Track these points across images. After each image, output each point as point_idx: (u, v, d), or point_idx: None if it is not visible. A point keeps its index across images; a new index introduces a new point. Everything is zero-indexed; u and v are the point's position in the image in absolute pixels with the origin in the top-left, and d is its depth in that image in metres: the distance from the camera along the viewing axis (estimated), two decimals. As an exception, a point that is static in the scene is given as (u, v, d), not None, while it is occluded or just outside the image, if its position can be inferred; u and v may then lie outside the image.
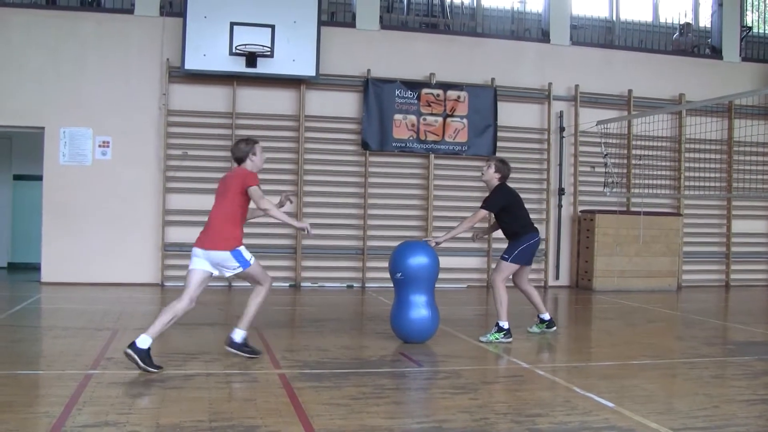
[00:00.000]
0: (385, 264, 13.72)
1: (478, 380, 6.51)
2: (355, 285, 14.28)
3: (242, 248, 7.05)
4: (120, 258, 13.51)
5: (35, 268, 14.17)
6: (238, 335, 7.14)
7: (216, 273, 7.08)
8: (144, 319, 9.93)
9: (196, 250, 7.01)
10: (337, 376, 6.46)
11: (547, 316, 8.93)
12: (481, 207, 8.51)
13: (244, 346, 7.16)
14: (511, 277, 8.70)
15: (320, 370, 6.73)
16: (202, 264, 6.98)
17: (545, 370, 6.93)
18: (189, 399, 5.50)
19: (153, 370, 6.40)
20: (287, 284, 14.00)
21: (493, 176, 8.61)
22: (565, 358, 8.11)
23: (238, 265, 6.97)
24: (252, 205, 7.21)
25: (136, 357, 6.38)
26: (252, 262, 7.08)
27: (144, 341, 6.50)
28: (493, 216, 8.80)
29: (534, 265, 15.10)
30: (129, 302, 11.31)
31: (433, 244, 8.33)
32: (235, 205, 7.14)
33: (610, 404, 5.57)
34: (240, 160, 7.43)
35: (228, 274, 7.09)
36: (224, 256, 6.95)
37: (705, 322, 10.78)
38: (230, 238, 7.00)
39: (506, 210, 8.53)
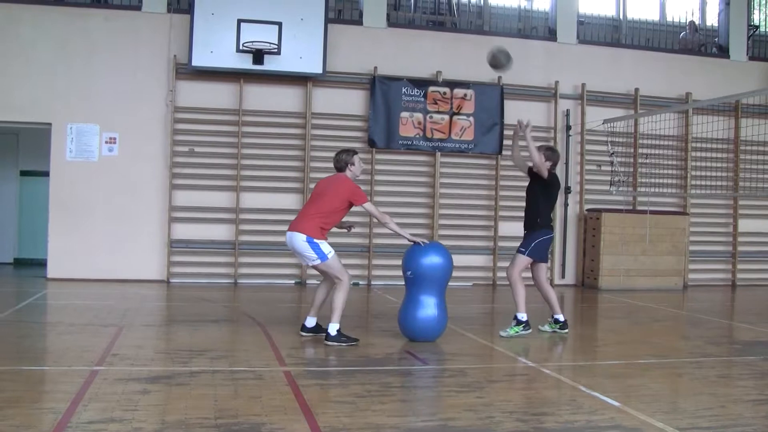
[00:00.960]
0: (391, 261, 13.83)
1: (483, 379, 6.51)
2: (361, 283, 14.27)
3: (322, 242, 7.77)
4: (126, 254, 13.53)
5: (41, 263, 14.19)
6: (332, 328, 7.74)
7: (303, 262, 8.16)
8: (150, 316, 9.98)
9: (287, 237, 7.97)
10: (343, 373, 6.46)
11: (561, 318, 8.89)
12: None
13: (341, 337, 7.76)
14: (531, 274, 8.80)
15: (326, 367, 6.74)
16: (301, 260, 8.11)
17: (551, 369, 6.92)
18: (194, 396, 5.50)
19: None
20: (293, 281, 14.01)
21: (543, 164, 8.64)
22: (571, 357, 8.10)
23: (315, 256, 7.76)
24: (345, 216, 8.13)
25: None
26: (330, 256, 7.77)
27: (310, 321, 8.15)
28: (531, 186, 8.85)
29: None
30: (135, 298, 11.33)
31: (525, 122, 8.71)
32: (333, 208, 7.89)
33: (616, 403, 5.56)
34: (340, 170, 8.26)
35: (309, 263, 7.94)
36: (301, 239, 7.75)
37: (711, 322, 10.76)
38: (313, 228, 7.77)
39: (548, 190, 8.60)
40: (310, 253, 7.77)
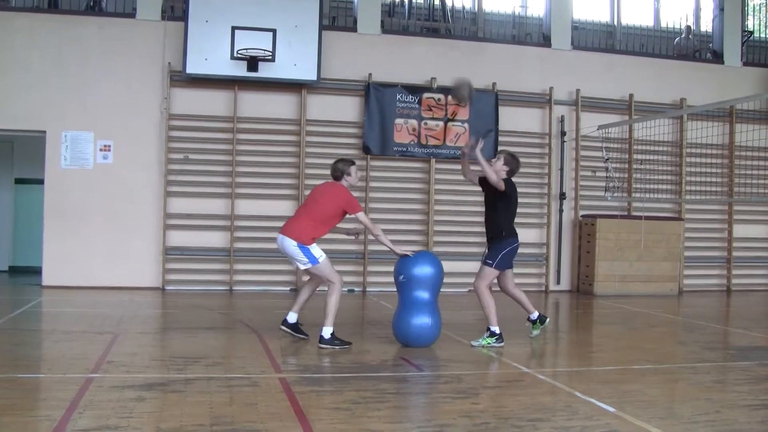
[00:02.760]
0: (386, 268, 13.79)
1: (479, 385, 6.51)
2: (356, 290, 14.27)
3: (313, 246, 7.89)
4: (121, 262, 13.51)
5: (36, 271, 14.17)
6: (326, 332, 7.88)
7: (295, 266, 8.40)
8: (145, 323, 9.96)
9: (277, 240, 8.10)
10: (338, 380, 6.46)
11: (535, 315, 8.80)
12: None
13: (334, 340, 7.91)
14: (496, 282, 8.69)
15: (321, 374, 6.73)
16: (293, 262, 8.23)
17: (546, 375, 6.92)
18: (190, 403, 5.49)
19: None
20: (288, 288, 14.00)
21: (501, 168, 8.53)
22: (566, 363, 8.10)
23: (307, 260, 7.91)
24: (340, 224, 8.28)
25: (289, 330, 8.24)
26: (321, 260, 7.91)
27: (291, 317, 8.30)
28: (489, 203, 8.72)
29: (535, 270, 15.24)
30: (130, 306, 11.30)
31: (473, 141, 8.41)
32: (326, 215, 8.02)
33: (612, 409, 5.56)
34: (336, 178, 8.29)
35: (300, 267, 8.13)
36: (292, 245, 7.89)
37: (706, 327, 10.77)
38: (305, 235, 7.89)
39: (507, 201, 8.48)
40: (301, 257, 7.92)
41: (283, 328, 8.30)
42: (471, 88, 8.85)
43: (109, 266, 13.44)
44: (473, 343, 8.32)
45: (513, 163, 8.61)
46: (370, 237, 14.14)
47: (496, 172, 8.50)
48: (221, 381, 6.29)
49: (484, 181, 8.61)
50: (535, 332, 8.89)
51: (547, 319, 8.93)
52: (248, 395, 5.79)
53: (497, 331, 8.30)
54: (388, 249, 8.13)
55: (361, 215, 8.04)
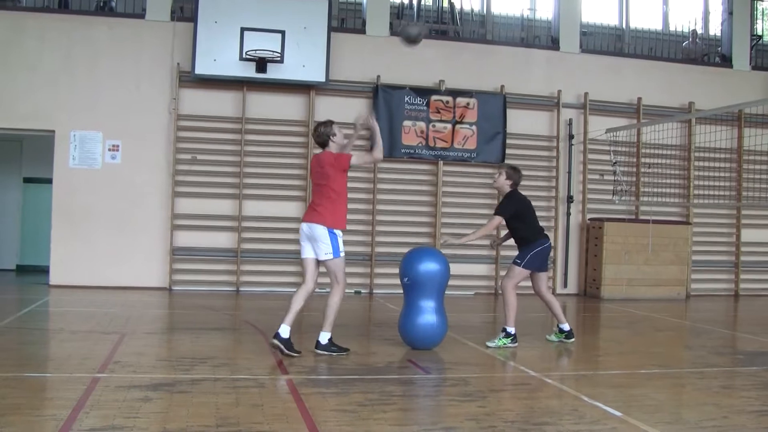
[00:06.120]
0: (394, 270, 13.77)
1: (485, 388, 6.49)
2: (363, 291, 14.26)
3: (340, 236, 7.59)
4: (128, 261, 13.54)
5: (44, 270, 14.19)
6: (324, 337, 7.68)
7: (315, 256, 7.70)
8: (152, 323, 9.97)
9: (301, 229, 7.68)
10: (344, 382, 6.45)
11: (566, 327, 8.88)
12: (495, 214, 8.53)
13: (331, 346, 7.69)
14: (531, 284, 8.81)
15: (327, 376, 6.73)
16: (308, 251, 7.71)
17: (553, 379, 6.90)
18: (196, 404, 5.49)
19: (295, 354, 7.44)
20: (294, 290, 13.96)
21: (504, 183, 8.64)
22: (573, 367, 8.08)
23: (331, 249, 7.54)
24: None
25: (281, 346, 7.40)
26: (341, 255, 7.60)
27: (284, 331, 7.48)
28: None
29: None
30: (137, 306, 11.32)
31: (443, 240, 8.39)
32: (337, 186, 7.63)
33: (618, 413, 5.54)
34: (323, 144, 7.85)
35: (320, 256, 7.62)
36: (322, 230, 7.53)
37: (714, 332, 10.73)
38: (329, 216, 7.55)
39: (517, 216, 8.55)
40: (328, 243, 7.52)
41: (276, 342, 7.46)
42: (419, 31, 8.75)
43: (116, 266, 13.46)
44: (489, 344, 8.39)
45: (515, 175, 8.70)
46: (378, 239, 14.16)
47: (499, 187, 8.71)
48: (227, 382, 6.28)
49: (507, 220, 8.66)
50: (554, 339, 8.90)
51: (573, 339, 8.91)
52: (254, 396, 5.79)
53: (512, 332, 8.40)
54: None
55: (354, 159, 7.65)
